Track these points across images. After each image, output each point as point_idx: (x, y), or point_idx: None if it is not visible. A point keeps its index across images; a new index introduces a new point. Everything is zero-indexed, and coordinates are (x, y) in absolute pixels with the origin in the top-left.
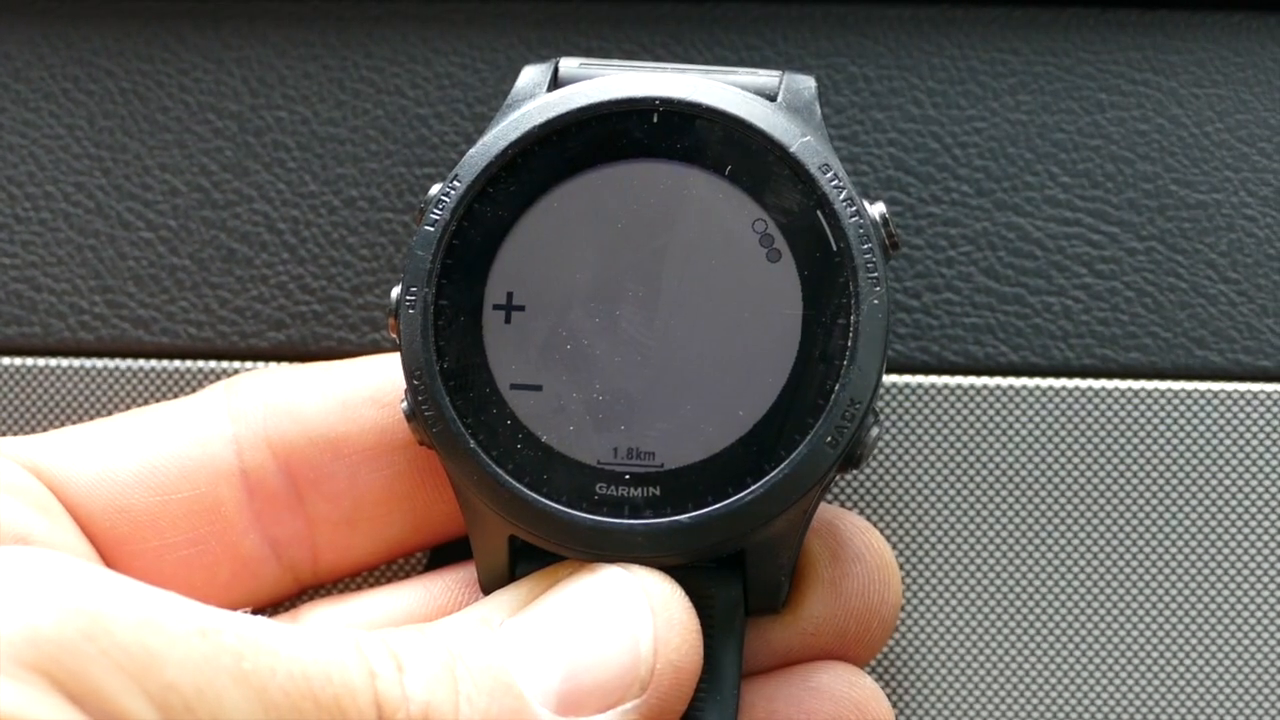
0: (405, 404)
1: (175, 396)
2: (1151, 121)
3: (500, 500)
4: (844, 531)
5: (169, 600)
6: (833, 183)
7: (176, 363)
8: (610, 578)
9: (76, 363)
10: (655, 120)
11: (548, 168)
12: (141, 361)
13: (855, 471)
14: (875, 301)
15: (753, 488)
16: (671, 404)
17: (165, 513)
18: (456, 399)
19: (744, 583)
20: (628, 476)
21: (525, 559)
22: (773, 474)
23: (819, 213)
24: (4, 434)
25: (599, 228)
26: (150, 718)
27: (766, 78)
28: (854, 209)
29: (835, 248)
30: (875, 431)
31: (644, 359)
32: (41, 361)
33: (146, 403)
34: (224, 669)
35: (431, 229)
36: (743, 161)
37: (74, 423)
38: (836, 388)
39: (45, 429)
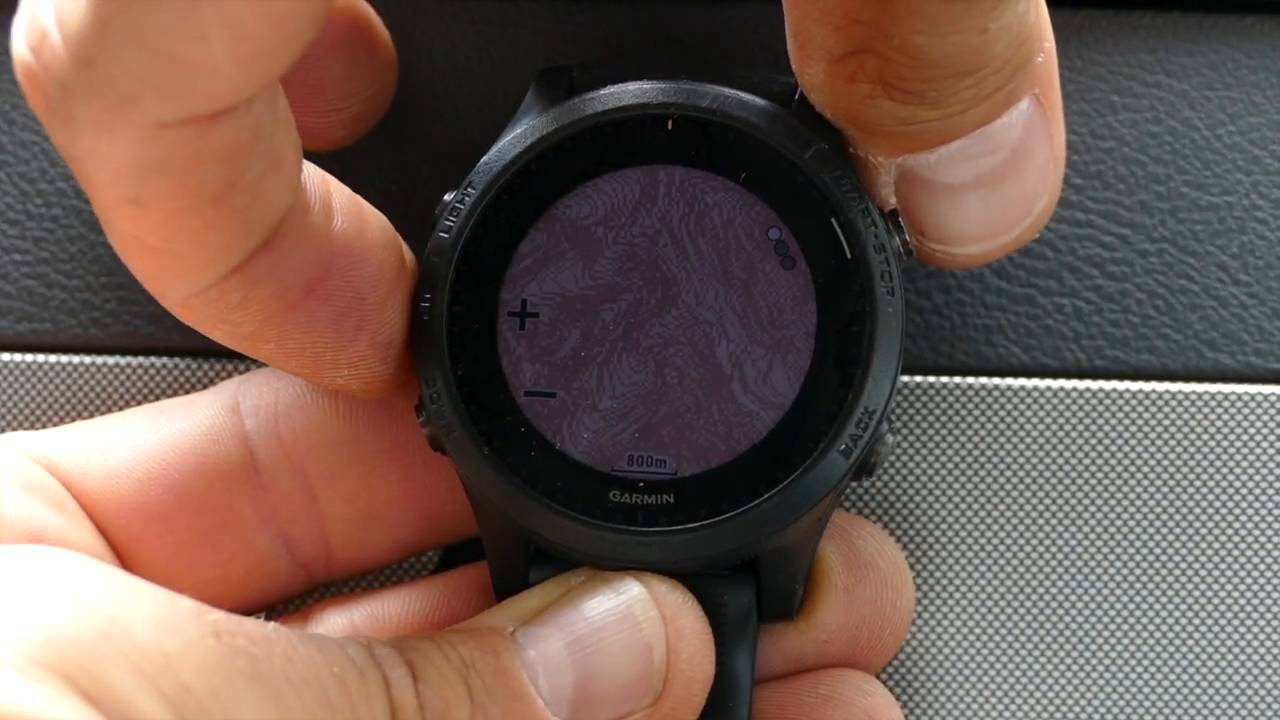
0: (419, 411)
1: (188, 394)
2: (1163, 124)
3: (514, 507)
4: (857, 538)
5: (184, 603)
6: (847, 190)
7: (189, 360)
8: (623, 586)
9: (88, 359)
10: (670, 127)
11: (562, 174)
12: (154, 359)
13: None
14: (890, 309)
15: (767, 496)
16: (685, 411)
17: (179, 509)
18: (470, 406)
19: (757, 590)
20: (642, 484)
21: (539, 565)
22: (787, 482)
23: (833, 220)
24: (16, 430)
25: (614, 234)
26: (165, 719)
27: (783, 83)
28: (869, 216)
29: (850, 255)
30: (890, 439)
31: (658, 366)
32: (53, 358)
33: (158, 401)
34: (239, 672)
35: (446, 235)
36: (757, 168)
37: (85, 420)
38: (851, 396)
39: (56, 426)
